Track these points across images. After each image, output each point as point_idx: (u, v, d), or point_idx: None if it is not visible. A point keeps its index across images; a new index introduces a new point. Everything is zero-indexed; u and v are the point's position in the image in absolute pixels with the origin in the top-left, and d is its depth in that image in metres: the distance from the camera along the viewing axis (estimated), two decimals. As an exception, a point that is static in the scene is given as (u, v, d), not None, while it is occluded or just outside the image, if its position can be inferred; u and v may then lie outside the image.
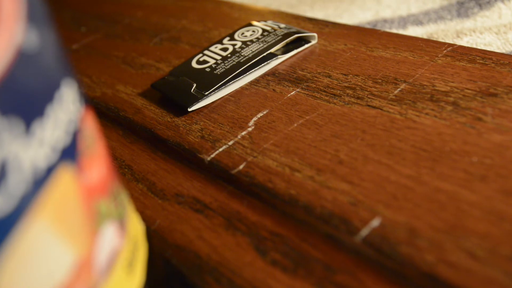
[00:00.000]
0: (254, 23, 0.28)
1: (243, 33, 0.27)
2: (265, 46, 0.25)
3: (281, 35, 0.26)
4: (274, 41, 0.25)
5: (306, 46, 0.26)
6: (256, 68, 0.24)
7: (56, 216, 0.09)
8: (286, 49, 0.26)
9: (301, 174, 0.18)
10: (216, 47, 0.26)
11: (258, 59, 0.24)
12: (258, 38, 0.26)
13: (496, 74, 0.20)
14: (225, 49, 0.26)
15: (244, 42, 0.26)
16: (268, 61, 0.25)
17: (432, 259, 0.14)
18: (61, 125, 0.09)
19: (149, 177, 0.21)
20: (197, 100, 0.23)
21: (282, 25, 0.27)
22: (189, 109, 0.23)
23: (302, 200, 0.17)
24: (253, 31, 0.26)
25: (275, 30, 0.26)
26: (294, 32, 0.26)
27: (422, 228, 0.15)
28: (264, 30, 0.26)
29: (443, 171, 0.16)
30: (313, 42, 0.26)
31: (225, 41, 0.26)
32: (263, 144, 0.20)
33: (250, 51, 0.25)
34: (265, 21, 0.28)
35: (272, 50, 0.25)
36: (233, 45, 0.26)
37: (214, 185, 0.19)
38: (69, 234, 0.09)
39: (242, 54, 0.25)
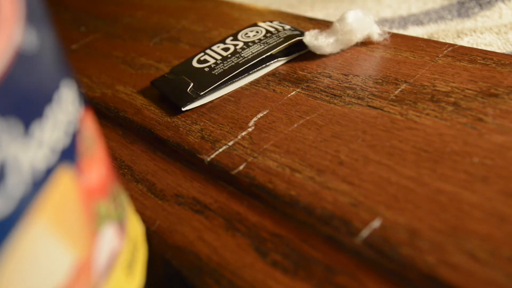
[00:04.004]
0: (260, 23, 0.27)
1: (246, 34, 0.26)
2: (265, 47, 0.25)
3: (283, 37, 0.25)
4: (275, 43, 0.25)
5: (308, 49, 0.26)
6: (255, 70, 0.24)
7: (56, 218, 0.09)
8: (287, 51, 0.26)
9: (301, 175, 0.18)
10: (218, 47, 0.26)
11: (257, 61, 0.24)
12: (260, 39, 0.26)
13: (497, 75, 0.20)
14: (226, 49, 0.26)
15: (246, 43, 0.26)
16: (268, 63, 0.25)
17: (433, 260, 0.14)
18: (61, 126, 0.09)
19: (149, 177, 0.20)
20: (192, 100, 0.23)
21: (287, 26, 0.27)
22: (183, 109, 0.23)
23: (303, 201, 0.17)
24: (257, 32, 0.26)
25: (278, 31, 0.26)
26: (297, 34, 0.25)
27: (423, 229, 0.15)
28: (267, 31, 0.26)
29: (444, 172, 0.16)
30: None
31: (228, 40, 0.26)
32: (263, 145, 0.20)
33: (250, 53, 0.25)
34: (271, 21, 0.28)
35: (273, 51, 0.25)
36: (235, 45, 0.26)
37: (214, 186, 0.19)
38: (68, 235, 0.09)
39: (242, 55, 0.25)
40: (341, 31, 0.24)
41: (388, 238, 0.15)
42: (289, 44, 0.25)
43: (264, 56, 0.24)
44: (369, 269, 0.15)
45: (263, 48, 0.25)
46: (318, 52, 0.25)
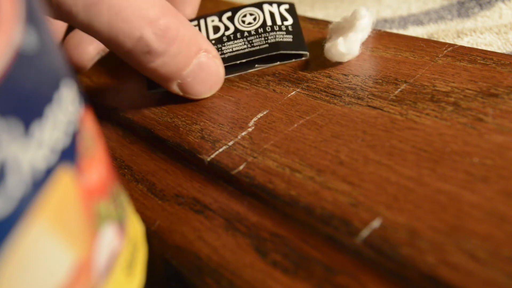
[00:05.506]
0: (265, 5, 0.25)
1: (244, 15, 0.25)
2: (245, 51, 0.23)
3: (269, 44, 0.23)
4: (258, 48, 0.23)
5: (295, 60, 0.24)
6: (229, 71, 0.24)
7: (56, 218, 0.09)
8: (271, 58, 0.24)
9: (301, 175, 0.18)
10: (212, 21, 0.25)
11: (232, 64, 0.23)
12: (249, 33, 0.24)
13: (497, 75, 0.20)
14: (216, 30, 0.24)
15: (235, 31, 0.24)
16: (247, 70, 0.24)
17: (433, 260, 0.14)
18: (60, 126, 0.09)
19: (149, 177, 0.20)
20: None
21: (288, 22, 0.25)
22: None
23: (303, 201, 0.17)
24: (254, 19, 0.25)
25: (273, 29, 0.24)
26: (285, 45, 0.24)
27: (423, 229, 0.15)
28: (264, 23, 0.24)
29: (444, 172, 0.16)
30: (304, 58, 0.25)
31: (224, 18, 0.25)
32: (263, 145, 0.20)
33: (230, 50, 0.24)
34: (281, 3, 0.25)
35: (250, 59, 0.23)
36: (226, 28, 0.24)
37: (214, 186, 0.19)
38: (68, 235, 0.09)
39: (223, 50, 0.24)
40: (361, 30, 0.23)
41: (388, 238, 0.15)
42: (270, 54, 0.23)
43: (242, 60, 0.23)
44: (369, 269, 0.15)
45: (244, 49, 0.24)
46: (345, 60, 0.23)
